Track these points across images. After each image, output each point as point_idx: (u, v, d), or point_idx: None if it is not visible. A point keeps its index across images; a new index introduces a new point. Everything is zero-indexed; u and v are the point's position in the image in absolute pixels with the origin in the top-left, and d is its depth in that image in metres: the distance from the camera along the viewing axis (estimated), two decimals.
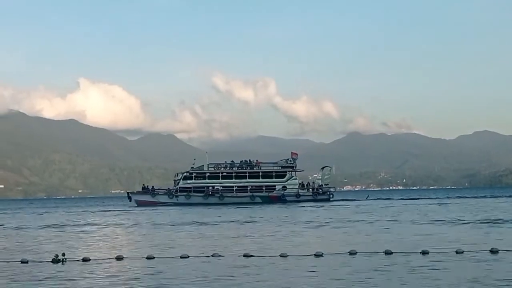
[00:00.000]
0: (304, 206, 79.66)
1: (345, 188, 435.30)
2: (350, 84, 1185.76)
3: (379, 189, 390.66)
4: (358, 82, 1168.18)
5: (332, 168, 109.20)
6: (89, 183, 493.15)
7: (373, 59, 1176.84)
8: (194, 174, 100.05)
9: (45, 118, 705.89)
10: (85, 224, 50.35)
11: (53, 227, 47.12)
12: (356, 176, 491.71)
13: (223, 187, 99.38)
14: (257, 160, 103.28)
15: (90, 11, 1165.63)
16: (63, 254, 23.02)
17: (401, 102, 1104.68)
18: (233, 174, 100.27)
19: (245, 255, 22.77)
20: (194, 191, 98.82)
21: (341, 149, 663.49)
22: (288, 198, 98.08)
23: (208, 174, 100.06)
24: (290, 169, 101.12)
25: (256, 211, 67.40)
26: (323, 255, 22.43)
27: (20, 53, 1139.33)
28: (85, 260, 22.82)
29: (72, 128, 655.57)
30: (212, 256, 22.84)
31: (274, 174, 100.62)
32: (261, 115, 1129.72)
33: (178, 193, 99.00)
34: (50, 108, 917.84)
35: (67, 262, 22.42)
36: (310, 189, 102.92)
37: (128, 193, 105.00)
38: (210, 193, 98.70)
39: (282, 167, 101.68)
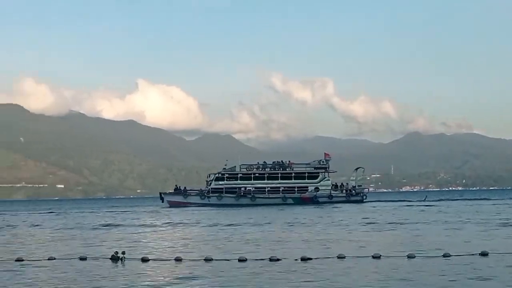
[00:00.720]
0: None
1: (404, 189, 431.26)
2: (409, 84, 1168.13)
3: (438, 189, 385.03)
4: (418, 82, 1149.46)
5: (362, 171, 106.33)
6: (147, 183, 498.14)
7: (433, 58, 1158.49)
8: (226, 175, 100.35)
9: (104, 119, 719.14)
10: (142, 225, 51.06)
11: (110, 227, 48.29)
12: (415, 176, 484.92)
13: (255, 188, 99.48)
14: (289, 161, 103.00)
15: (149, 12, 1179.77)
16: (123, 252, 23.12)
17: (461, 102, 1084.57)
18: (265, 175, 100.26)
19: (302, 259, 22.67)
20: (226, 192, 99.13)
21: (400, 149, 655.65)
22: (320, 199, 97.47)
23: (240, 175, 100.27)
24: (323, 170, 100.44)
25: (300, 212, 67.48)
26: (380, 257, 22.35)
27: (81, 54, 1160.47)
28: (144, 260, 23.10)
29: (130, 129, 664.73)
30: (269, 260, 22.72)
31: (306, 175, 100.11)
32: (319, 115, 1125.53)
33: (210, 194, 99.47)
34: (110, 109, 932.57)
35: (126, 261, 22.74)
36: (344, 190, 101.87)
37: (160, 193, 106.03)
38: (241, 194, 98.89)
39: (315, 168, 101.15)
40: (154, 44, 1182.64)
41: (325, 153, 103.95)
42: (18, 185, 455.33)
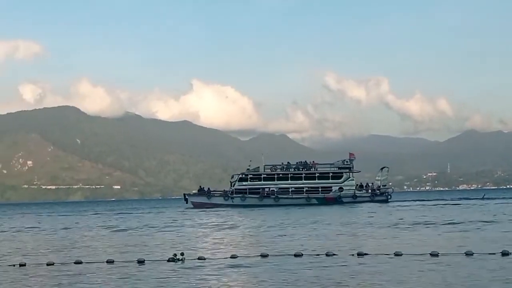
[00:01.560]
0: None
1: (461, 187, 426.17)
2: (466, 81, 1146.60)
3: (496, 187, 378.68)
4: (474, 78, 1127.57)
5: (386, 170, 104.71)
6: (203, 183, 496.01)
7: (490, 54, 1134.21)
8: (250, 176, 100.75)
9: (160, 120, 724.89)
10: (192, 225, 51.85)
11: (162, 228, 48.79)
12: (472, 175, 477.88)
13: (278, 188, 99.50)
14: (313, 161, 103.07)
15: (203, 12, 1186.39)
16: (182, 254, 23.39)
17: None
18: (289, 176, 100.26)
19: (359, 254, 23.24)
20: (250, 193, 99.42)
21: (457, 147, 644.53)
22: (344, 200, 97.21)
23: (264, 175, 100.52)
24: (347, 170, 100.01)
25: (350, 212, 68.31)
26: (438, 254, 22.67)
27: (136, 56, 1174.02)
28: (200, 258, 23.52)
29: (185, 130, 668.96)
30: (326, 254, 23.34)
31: (330, 175, 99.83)
32: (374, 114, 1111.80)
33: (234, 195, 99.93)
34: (165, 109, 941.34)
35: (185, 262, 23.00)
36: (370, 190, 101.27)
37: (184, 194, 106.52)
38: (265, 194, 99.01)
39: (339, 168, 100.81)
40: (208, 44, 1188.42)
41: (349, 153, 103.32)
42: (75, 186, 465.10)
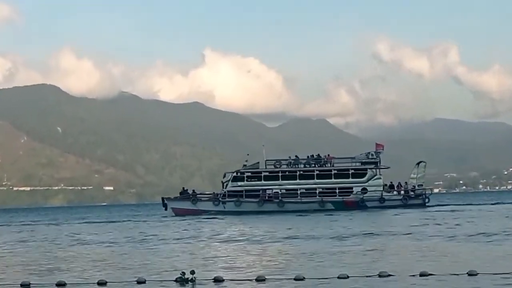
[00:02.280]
0: None
1: None
2: None
3: None
4: None
5: (424, 165, 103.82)
6: (219, 182, 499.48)
7: None
8: (247, 174, 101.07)
9: (163, 102, 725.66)
10: (210, 237, 51.89)
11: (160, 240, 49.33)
12: None
13: (284, 190, 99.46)
14: (328, 155, 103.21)
15: None
16: (192, 272, 23.55)
17: None
18: (297, 174, 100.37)
19: (422, 275, 23.29)
20: (247, 196, 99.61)
21: None
22: (368, 204, 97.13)
23: (265, 173, 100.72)
24: (373, 166, 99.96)
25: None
26: None
27: (133, 20, 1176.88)
28: (217, 280, 23.63)
29: (196, 114, 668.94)
30: (379, 275, 23.42)
31: (351, 172, 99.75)
32: (439, 91, 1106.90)
33: (226, 199, 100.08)
34: (170, 88, 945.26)
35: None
36: (402, 191, 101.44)
37: (163, 199, 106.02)
38: (266, 198, 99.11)
39: (362, 163, 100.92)
40: (225, 4, 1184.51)
41: (376, 144, 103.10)
42: (56, 187, 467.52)
